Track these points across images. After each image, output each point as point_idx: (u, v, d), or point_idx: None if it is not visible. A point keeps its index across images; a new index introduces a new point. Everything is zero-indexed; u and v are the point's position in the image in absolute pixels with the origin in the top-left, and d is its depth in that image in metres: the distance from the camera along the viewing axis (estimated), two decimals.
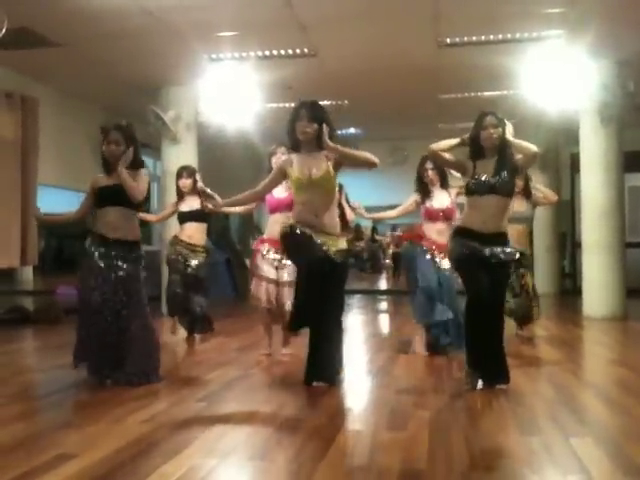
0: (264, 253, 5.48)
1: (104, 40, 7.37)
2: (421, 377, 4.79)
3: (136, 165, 4.64)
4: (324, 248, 4.25)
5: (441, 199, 5.71)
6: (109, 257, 4.53)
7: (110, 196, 4.57)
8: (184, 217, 6.62)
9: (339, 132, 12.42)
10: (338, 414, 3.84)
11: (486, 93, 9.64)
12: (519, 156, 4.31)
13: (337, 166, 4.35)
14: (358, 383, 4.86)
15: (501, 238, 4.28)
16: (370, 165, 4.33)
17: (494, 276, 4.25)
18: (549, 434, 3.30)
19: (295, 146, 4.43)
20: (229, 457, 3.05)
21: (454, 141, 4.33)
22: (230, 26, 7.10)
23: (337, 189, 4.51)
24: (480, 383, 4.25)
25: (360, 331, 7.86)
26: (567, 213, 12.69)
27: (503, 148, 4.28)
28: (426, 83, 9.26)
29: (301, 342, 5.00)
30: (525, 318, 6.67)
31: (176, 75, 8.90)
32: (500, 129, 4.25)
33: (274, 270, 5.44)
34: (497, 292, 4.31)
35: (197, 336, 6.80)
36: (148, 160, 11.27)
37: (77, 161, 9.66)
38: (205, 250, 6.72)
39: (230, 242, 13.86)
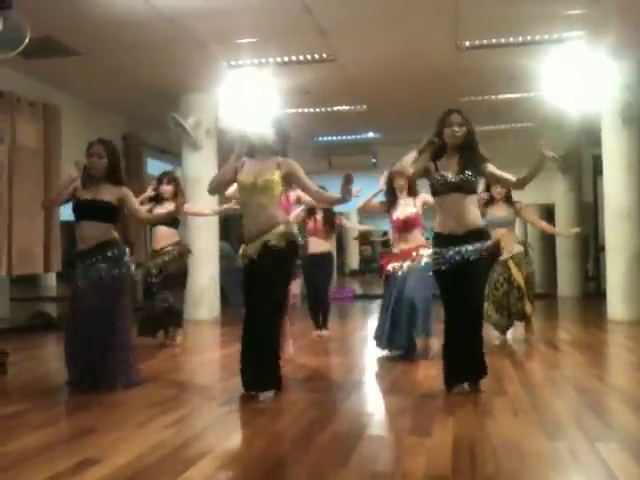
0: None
1: (125, 48, 7.44)
2: (443, 381, 4.75)
3: (117, 180, 4.73)
4: (263, 245, 4.21)
5: (405, 208, 5.75)
6: (86, 269, 4.60)
7: (86, 211, 4.66)
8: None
9: (357, 136, 12.50)
10: (360, 419, 3.82)
11: (507, 95, 9.59)
12: (491, 167, 4.31)
13: (286, 179, 4.35)
14: (380, 388, 4.84)
15: (476, 234, 4.23)
16: (314, 199, 4.54)
17: (469, 275, 4.18)
18: (574, 439, 3.26)
19: (250, 151, 4.44)
20: (252, 462, 3.04)
21: (413, 153, 4.31)
22: (249, 33, 7.14)
23: (281, 194, 4.48)
24: (466, 385, 4.30)
25: None
26: (590, 216, 12.57)
27: (467, 147, 4.26)
28: (446, 86, 9.23)
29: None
30: (520, 315, 6.64)
31: (196, 82, 8.95)
32: (464, 128, 4.23)
33: None
34: (471, 290, 4.23)
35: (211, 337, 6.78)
36: (168, 166, 11.40)
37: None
38: (179, 245, 6.71)
39: None
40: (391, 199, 5.84)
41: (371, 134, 12.66)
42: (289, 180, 4.40)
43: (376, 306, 11.30)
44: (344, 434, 3.46)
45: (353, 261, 22.33)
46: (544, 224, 7.31)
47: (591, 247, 13.48)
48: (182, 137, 9.42)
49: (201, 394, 4.48)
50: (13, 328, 8.20)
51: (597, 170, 11.04)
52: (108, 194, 4.68)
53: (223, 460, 3.07)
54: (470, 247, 4.19)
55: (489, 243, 4.27)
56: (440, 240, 4.30)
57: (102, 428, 3.62)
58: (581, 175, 12.50)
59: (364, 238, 21.74)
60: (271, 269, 4.21)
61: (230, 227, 13.47)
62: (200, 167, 9.34)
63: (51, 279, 16.85)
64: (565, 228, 7.65)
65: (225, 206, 6.28)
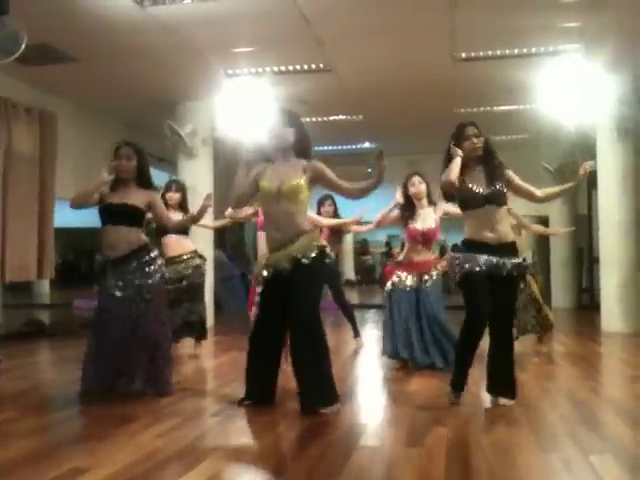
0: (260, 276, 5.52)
1: (122, 55, 7.44)
2: (437, 393, 4.73)
3: (146, 183, 4.69)
4: (294, 257, 4.07)
5: (425, 218, 5.64)
6: (122, 277, 4.54)
7: (114, 215, 4.58)
8: (164, 229, 6.56)
9: (353, 146, 12.51)
10: (354, 430, 3.80)
11: (503, 107, 9.62)
12: (515, 177, 4.28)
13: (313, 181, 4.18)
14: (374, 399, 4.83)
15: (508, 248, 4.18)
16: (348, 196, 4.25)
17: (503, 289, 4.14)
18: (568, 451, 3.25)
19: (270, 155, 4.27)
20: (244, 473, 3.03)
21: (458, 162, 4.14)
22: (247, 42, 7.14)
23: (307, 199, 4.28)
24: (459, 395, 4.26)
25: (375, 346, 7.80)
26: (584, 228, 12.59)
27: (488, 157, 4.23)
28: (442, 97, 9.25)
29: None
30: (544, 328, 6.64)
31: (193, 90, 8.96)
32: (482, 138, 4.21)
33: None
34: (505, 306, 4.22)
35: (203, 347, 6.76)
36: (164, 174, 11.42)
37: (95, 175, 9.70)
38: (196, 254, 6.68)
39: (245, 256, 13.88)
40: (409, 209, 5.66)
41: (367, 144, 12.69)
42: (317, 183, 4.20)
43: (371, 315, 11.30)
44: (338, 444, 3.44)
45: (349, 271, 22.33)
46: (535, 226, 7.21)
47: (585, 259, 13.50)
48: (178, 145, 9.41)
49: (194, 403, 4.45)
50: (6, 335, 8.15)
51: (592, 183, 11.04)
52: (137, 198, 4.61)
53: (215, 470, 3.04)
54: (505, 260, 4.12)
55: (520, 261, 4.22)
56: (472, 247, 4.18)
57: (93, 436, 3.59)
58: (576, 187, 12.52)
59: (364, 248, 21.69)
60: (304, 286, 4.11)
61: (226, 236, 13.45)
62: (196, 175, 9.33)
63: (44, 286, 16.82)
64: (557, 228, 7.66)
65: (223, 221, 6.29)
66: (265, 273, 4.25)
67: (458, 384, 4.28)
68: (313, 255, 4.10)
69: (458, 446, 3.36)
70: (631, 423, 3.89)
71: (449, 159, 4.21)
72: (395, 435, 3.66)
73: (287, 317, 4.16)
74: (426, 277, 5.65)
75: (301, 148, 4.22)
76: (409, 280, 5.68)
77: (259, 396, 4.29)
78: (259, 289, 5.43)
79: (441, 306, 5.65)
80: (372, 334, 8.76)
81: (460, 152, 4.14)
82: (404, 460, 3.16)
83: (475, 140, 4.18)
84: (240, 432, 3.76)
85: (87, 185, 4.83)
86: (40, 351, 7.83)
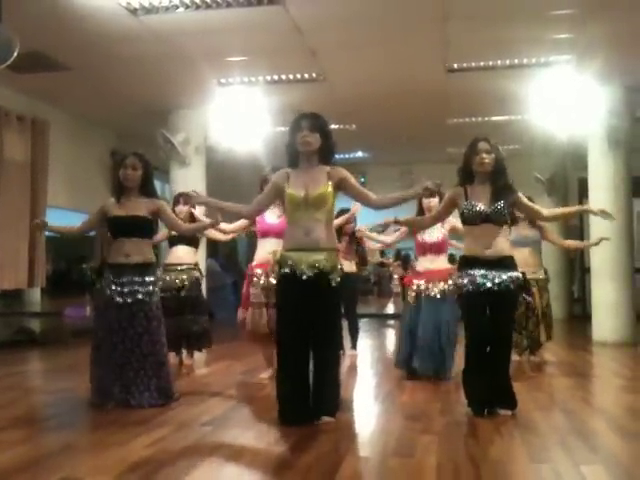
0: (255, 279, 5.49)
1: (115, 64, 7.44)
2: (428, 402, 4.73)
3: (150, 193, 4.71)
4: (316, 267, 3.95)
5: (432, 231, 5.67)
6: (122, 284, 4.54)
7: (124, 228, 4.61)
8: (174, 240, 6.51)
9: (347, 156, 12.52)
10: (344, 440, 3.79)
11: (494, 118, 9.67)
12: (523, 199, 4.33)
13: (338, 188, 4.11)
14: (365, 408, 4.81)
15: (505, 262, 4.20)
16: (373, 205, 4.20)
17: (501, 302, 4.18)
18: (559, 461, 3.25)
19: (293, 161, 4.16)
20: None
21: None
22: (240, 51, 7.16)
23: (334, 206, 4.19)
24: (485, 410, 4.20)
25: (367, 356, 7.80)
26: (576, 238, 12.59)
27: (497, 175, 4.22)
28: (434, 108, 9.29)
29: None
30: (535, 344, 6.66)
31: (186, 99, 8.96)
32: (493, 155, 4.21)
33: (264, 293, 5.42)
34: (502, 321, 4.23)
35: (195, 356, 6.73)
36: (157, 183, 11.42)
37: (87, 183, 9.74)
38: (197, 268, 6.66)
39: (237, 265, 13.86)
40: None
41: (360, 153, 12.71)
42: (340, 190, 4.11)
43: (362, 325, 11.27)
44: (328, 454, 3.42)
45: None
46: (569, 242, 7.12)
47: (577, 269, 13.55)
48: (171, 154, 9.40)
49: (184, 413, 4.43)
50: None
51: (583, 193, 11.11)
52: (142, 208, 4.63)
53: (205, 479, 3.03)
54: (500, 275, 4.14)
55: (518, 274, 4.23)
56: (468, 263, 4.24)
57: (83, 446, 3.58)
58: (567, 198, 12.58)
59: (362, 258, 21.50)
60: (334, 308, 4.17)
61: (219, 245, 13.43)
62: (188, 184, 9.22)
63: (35, 294, 16.69)
64: (593, 240, 7.63)
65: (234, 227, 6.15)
66: (282, 270, 4.06)
67: (473, 402, 4.26)
68: (339, 279, 4.04)
69: (449, 457, 3.35)
70: (622, 433, 3.89)
71: (464, 170, 4.28)
72: (385, 445, 3.65)
73: (312, 329, 4.06)
74: (443, 286, 5.63)
75: (326, 154, 4.14)
76: (428, 289, 5.67)
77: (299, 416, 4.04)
78: (255, 289, 5.46)
79: (454, 316, 5.59)
80: (366, 343, 8.77)
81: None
82: (394, 470, 3.16)
83: (484, 156, 4.19)
84: (231, 442, 3.74)
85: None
86: (30, 359, 7.78)
